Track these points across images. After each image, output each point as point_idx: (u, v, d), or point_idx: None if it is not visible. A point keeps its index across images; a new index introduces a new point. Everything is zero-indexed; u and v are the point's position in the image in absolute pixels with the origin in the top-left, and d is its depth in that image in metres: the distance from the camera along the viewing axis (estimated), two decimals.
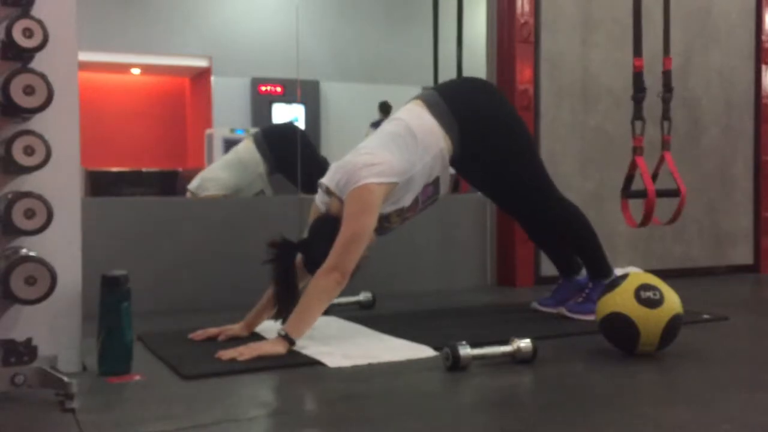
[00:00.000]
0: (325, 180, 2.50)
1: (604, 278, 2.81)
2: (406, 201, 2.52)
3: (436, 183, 2.60)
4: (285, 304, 2.38)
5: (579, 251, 2.94)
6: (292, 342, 2.23)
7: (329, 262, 2.31)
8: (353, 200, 2.37)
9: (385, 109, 9.35)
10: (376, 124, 10.69)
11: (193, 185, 3.98)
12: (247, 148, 4.06)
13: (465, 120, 2.61)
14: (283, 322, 2.34)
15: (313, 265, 2.41)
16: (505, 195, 2.97)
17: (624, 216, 3.46)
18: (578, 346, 2.44)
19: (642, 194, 3.49)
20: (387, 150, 2.47)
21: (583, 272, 2.97)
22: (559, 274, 3.04)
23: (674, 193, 3.36)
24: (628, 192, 3.43)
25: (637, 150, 3.32)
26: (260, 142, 4.04)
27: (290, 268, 2.40)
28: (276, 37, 9.22)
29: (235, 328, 2.47)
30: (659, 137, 3.42)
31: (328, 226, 2.43)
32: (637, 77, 3.32)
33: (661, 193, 3.41)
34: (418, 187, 2.53)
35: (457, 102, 2.63)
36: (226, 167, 4.11)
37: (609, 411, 1.76)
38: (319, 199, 2.54)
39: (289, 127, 5.56)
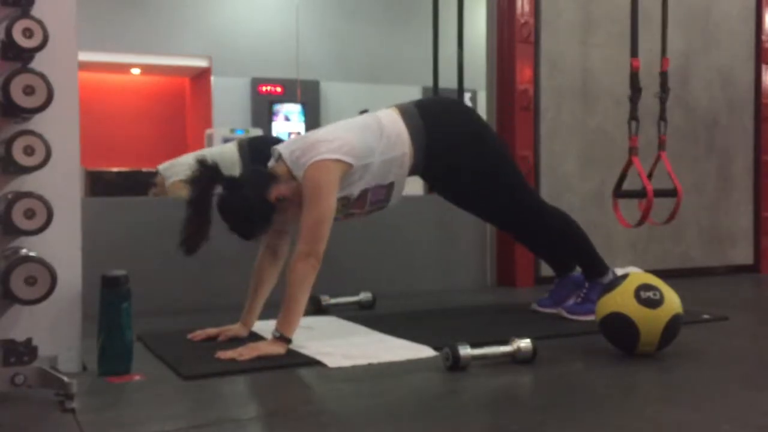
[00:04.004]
0: (281, 147, 2.46)
1: (600, 277, 2.81)
2: (355, 190, 2.44)
3: (389, 188, 2.53)
4: (193, 232, 2.31)
5: (572, 255, 2.94)
6: (288, 341, 2.23)
7: (302, 249, 2.27)
8: (311, 181, 2.32)
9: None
10: None
11: (164, 166, 3.91)
12: (230, 150, 4.03)
13: (436, 135, 2.57)
14: (186, 251, 2.34)
15: (226, 209, 2.33)
16: (489, 212, 2.95)
17: (617, 216, 3.47)
18: (578, 346, 2.44)
19: (635, 194, 3.52)
20: (350, 132, 2.45)
21: (578, 268, 2.98)
22: (555, 273, 3.05)
23: (671, 192, 3.38)
24: (620, 192, 3.45)
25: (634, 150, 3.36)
26: (244, 149, 4.00)
27: (208, 196, 2.33)
28: (276, 37, 9.25)
29: (234, 329, 2.47)
30: (657, 137, 3.43)
31: (260, 178, 2.38)
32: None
33: (658, 193, 3.43)
34: (371, 180, 2.46)
35: (431, 117, 2.59)
36: None
37: (609, 411, 1.76)
38: (270, 165, 2.50)
39: (277, 141, 5.53)
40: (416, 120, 2.55)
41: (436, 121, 2.59)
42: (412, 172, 2.60)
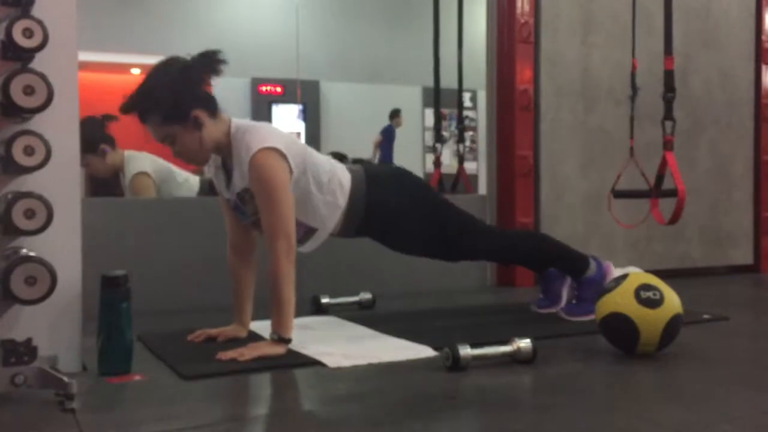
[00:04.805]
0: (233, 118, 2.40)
1: (584, 273, 2.81)
2: None
3: (308, 233, 2.47)
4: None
5: (548, 265, 2.95)
6: (287, 341, 2.23)
7: (280, 247, 2.21)
8: (263, 170, 2.22)
9: (395, 114, 9.32)
10: (386, 132, 10.62)
11: (128, 153, 3.79)
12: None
13: (376, 200, 2.51)
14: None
15: (155, 72, 2.24)
16: (444, 258, 2.86)
17: (612, 216, 3.48)
18: (578, 346, 2.44)
19: (633, 194, 3.52)
20: (304, 145, 2.43)
21: None
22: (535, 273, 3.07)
23: (673, 193, 3.37)
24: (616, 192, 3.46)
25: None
26: None
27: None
28: (276, 37, 9.26)
29: (234, 329, 2.47)
30: (660, 137, 3.43)
31: (206, 96, 2.28)
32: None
33: (661, 193, 3.43)
34: (299, 205, 2.35)
35: (375, 182, 2.52)
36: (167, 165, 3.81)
37: (609, 411, 1.76)
38: None
39: None
40: (362, 185, 2.49)
41: (379, 188, 2.52)
42: (341, 233, 2.52)
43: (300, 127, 9.78)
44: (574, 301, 2.84)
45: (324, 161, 2.47)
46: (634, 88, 3.46)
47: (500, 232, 2.89)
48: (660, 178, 3.43)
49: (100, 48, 8.03)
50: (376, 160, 9.08)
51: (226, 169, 2.40)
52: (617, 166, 3.66)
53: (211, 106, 2.30)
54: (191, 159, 2.36)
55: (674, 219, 3.40)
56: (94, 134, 3.48)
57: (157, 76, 2.24)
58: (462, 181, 4.42)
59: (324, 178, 2.42)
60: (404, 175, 2.69)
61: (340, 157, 7.95)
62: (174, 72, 2.24)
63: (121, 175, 3.61)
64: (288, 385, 2.04)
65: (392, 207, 2.56)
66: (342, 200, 2.46)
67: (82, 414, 1.69)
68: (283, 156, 2.27)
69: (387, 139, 9.15)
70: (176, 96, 2.23)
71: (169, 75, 2.24)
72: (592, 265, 2.83)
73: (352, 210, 2.49)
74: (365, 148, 8.86)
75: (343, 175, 2.49)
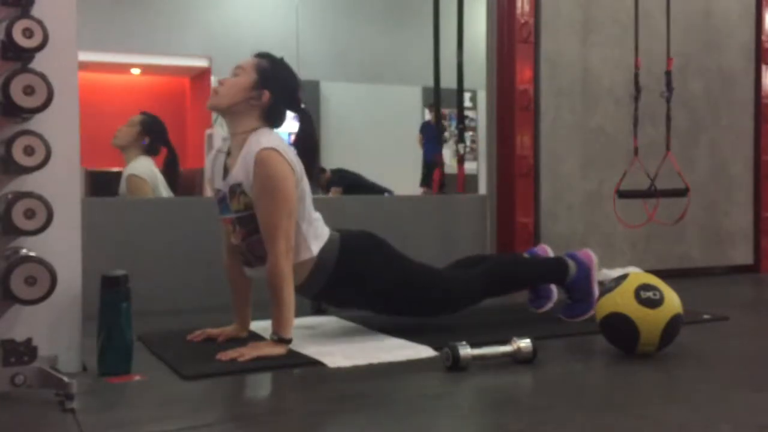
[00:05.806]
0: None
1: (566, 276, 2.77)
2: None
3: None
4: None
5: (531, 283, 2.93)
6: (288, 341, 2.23)
7: (279, 248, 2.21)
8: (263, 169, 2.22)
9: (431, 108, 9.23)
10: (424, 128, 10.50)
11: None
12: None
13: (345, 271, 2.43)
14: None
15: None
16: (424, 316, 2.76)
17: (616, 217, 3.49)
18: (578, 346, 2.44)
19: (638, 194, 3.52)
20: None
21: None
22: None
23: (682, 192, 3.38)
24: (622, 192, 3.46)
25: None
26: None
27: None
28: (276, 37, 9.24)
29: (235, 329, 2.47)
30: (659, 137, 3.44)
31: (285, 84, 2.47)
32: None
33: (668, 193, 3.43)
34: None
35: (347, 251, 2.44)
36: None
37: (609, 411, 1.76)
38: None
39: None
40: (335, 246, 2.43)
41: (350, 257, 2.44)
42: (301, 286, 2.41)
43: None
44: (569, 302, 2.84)
45: (313, 207, 2.44)
46: (638, 87, 3.45)
47: (468, 278, 2.73)
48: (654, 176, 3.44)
49: (100, 48, 8.02)
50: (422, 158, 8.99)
51: (227, 162, 2.39)
52: (617, 166, 3.67)
53: (270, 113, 2.39)
54: (218, 93, 2.42)
55: (680, 217, 3.41)
56: (163, 132, 3.76)
57: (293, 74, 2.54)
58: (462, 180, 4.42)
59: (312, 217, 2.40)
60: (377, 245, 2.57)
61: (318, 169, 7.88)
62: (296, 81, 2.54)
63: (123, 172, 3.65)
64: (288, 385, 2.04)
65: (362, 278, 2.48)
66: (315, 248, 2.39)
67: (82, 414, 1.69)
68: (289, 163, 2.27)
69: (426, 135, 9.04)
70: (280, 78, 2.46)
71: (294, 80, 2.52)
72: (571, 264, 2.78)
73: (320, 265, 2.40)
74: (365, 148, 8.86)
75: (323, 228, 2.45)
